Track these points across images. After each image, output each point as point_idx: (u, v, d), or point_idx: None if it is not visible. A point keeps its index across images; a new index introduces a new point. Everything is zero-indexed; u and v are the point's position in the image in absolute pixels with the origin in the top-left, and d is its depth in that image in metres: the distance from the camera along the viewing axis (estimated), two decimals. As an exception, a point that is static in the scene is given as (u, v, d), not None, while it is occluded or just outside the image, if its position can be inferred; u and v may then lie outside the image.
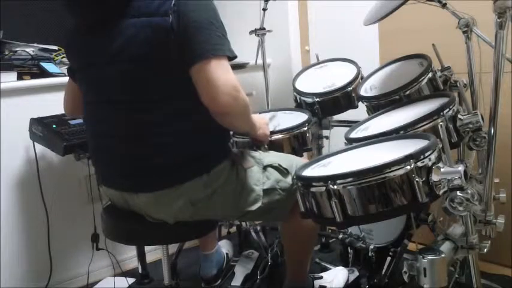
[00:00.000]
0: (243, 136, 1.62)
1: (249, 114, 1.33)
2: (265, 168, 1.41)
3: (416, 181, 0.98)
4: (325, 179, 1.03)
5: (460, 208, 1.03)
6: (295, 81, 2.03)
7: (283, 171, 1.42)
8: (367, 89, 1.72)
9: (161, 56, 1.21)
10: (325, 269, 1.91)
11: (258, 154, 1.45)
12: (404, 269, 1.16)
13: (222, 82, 1.18)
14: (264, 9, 2.23)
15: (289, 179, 1.40)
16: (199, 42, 1.18)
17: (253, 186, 1.36)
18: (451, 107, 1.26)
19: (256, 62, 2.33)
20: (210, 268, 1.92)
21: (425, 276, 1.11)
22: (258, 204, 1.36)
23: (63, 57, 2.18)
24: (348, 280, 1.78)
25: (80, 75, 1.40)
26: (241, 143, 1.64)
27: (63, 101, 1.55)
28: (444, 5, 1.50)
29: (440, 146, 1.09)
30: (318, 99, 1.86)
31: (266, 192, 1.38)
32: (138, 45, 1.21)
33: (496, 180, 1.29)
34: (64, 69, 2.12)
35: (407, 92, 1.53)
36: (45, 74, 2.03)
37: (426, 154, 1.01)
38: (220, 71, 1.18)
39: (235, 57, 1.25)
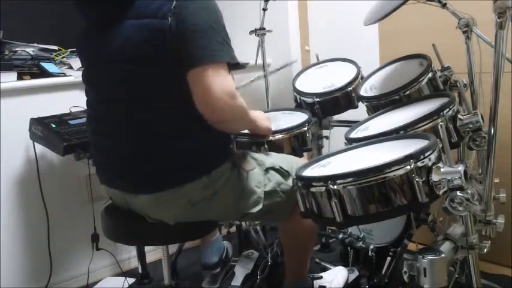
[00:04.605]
0: (245, 136, 1.62)
1: (247, 118, 1.34)
2: (266, 170, 1.40)
3: (416, 181, 0.98)
4: (325, 179, 1.03)
5: (460, 208, 1.03)
6: (295, 81, 2.03)
7: (284, 173, 1.41)
8: (367, 89, 1.72)
9: (159, 57, 1.20)
10: (325, 269, 1.91)
11: (259, 156, 1.44)
12: (404, 269, 1.16)
13: (217, 90, 1.16)
14: (264, 9, 2.24)
15: (290, 182, 1.40)
16: (197, 47, 1.16)
17: (254, 188, 1.36)
18: (451, 107, 1.26)
19: (256, 62, 2.33)
20: (211, 255, 1.91)
21: (425, 276, 1.11)
22: (259, 207, 1.36)
23: (63, 57, 2.19)
24: (347, 280, 1.78)
25: (83, 74, 1.40)
26: (243, 144, 1.64)
27: None
28: (444, 5, 1.50)
29: (440, 146, 1.09)
30: (318, 99, 1.86)
31: (267, 194, 1.37)
32: (137, 46, 1.21)
33: (496, 180, 1.29)
34: (64, 69, 2.13)
35: (407, 92, 1.53)
36: (45, 74, 2.03)
37: (426, 154, 1.01)
38: (216, 79, 1.16)
39: (237, 63, 1.23)
